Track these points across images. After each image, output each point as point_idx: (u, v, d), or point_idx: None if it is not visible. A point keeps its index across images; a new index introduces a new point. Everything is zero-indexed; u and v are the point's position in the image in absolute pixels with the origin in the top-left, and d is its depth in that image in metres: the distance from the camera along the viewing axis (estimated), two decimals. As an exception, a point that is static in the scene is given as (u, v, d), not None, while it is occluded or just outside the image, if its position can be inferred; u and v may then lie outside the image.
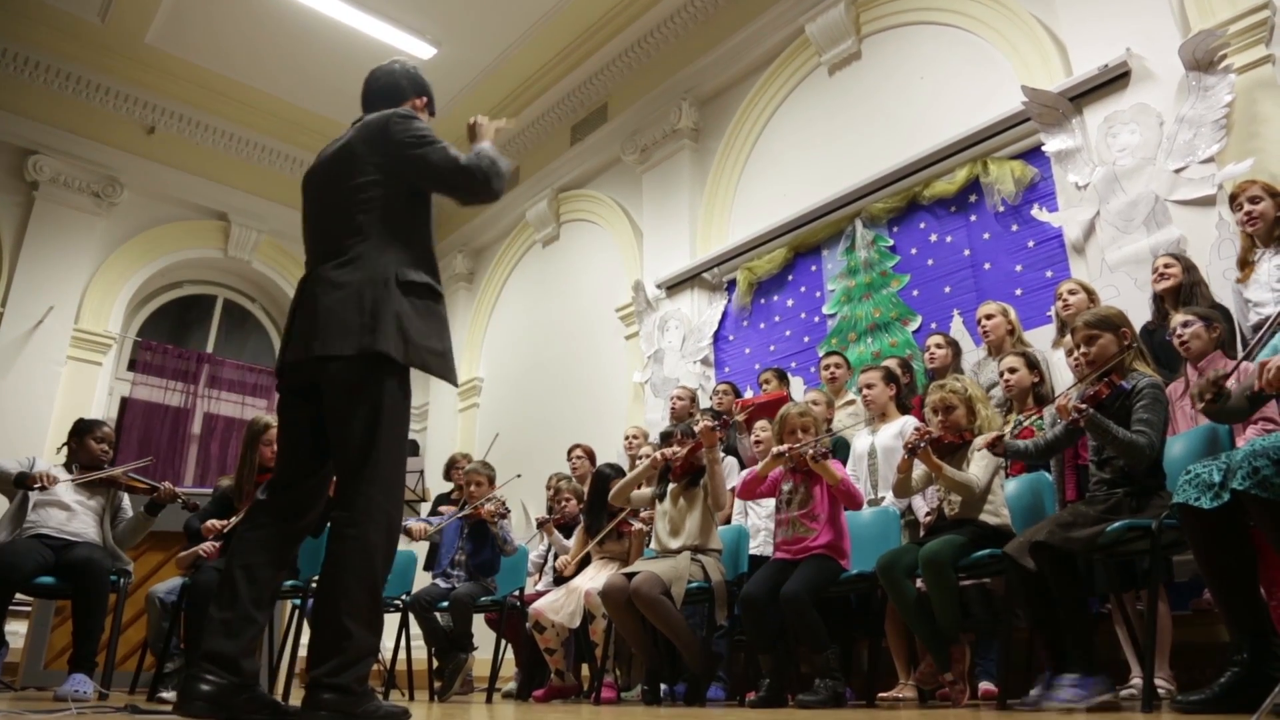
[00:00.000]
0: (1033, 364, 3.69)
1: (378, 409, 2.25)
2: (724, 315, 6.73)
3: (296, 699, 3.40)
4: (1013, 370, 3.68)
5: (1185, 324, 3.20)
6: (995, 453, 3.17)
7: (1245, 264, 3.54)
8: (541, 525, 5.22)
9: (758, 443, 4.48)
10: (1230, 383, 2.55)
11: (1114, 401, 2.89)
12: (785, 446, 3.70)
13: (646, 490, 4.39)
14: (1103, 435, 2.79)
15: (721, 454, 4.39)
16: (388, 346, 2.23)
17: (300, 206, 2.56)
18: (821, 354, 5.32)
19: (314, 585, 4.53)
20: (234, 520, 4.21)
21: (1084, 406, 2.81)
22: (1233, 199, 3.61)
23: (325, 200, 2.46)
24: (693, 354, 6.68)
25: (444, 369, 2.38)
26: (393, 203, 2.39)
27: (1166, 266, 3.68)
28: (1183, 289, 3.60)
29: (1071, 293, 3.94)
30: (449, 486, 6.53)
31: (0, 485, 4.40)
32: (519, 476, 5.98)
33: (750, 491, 3.92)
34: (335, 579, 2.16)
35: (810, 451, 3.57)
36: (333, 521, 2.22)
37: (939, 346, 4.38)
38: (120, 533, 4.54)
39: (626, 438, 5.79)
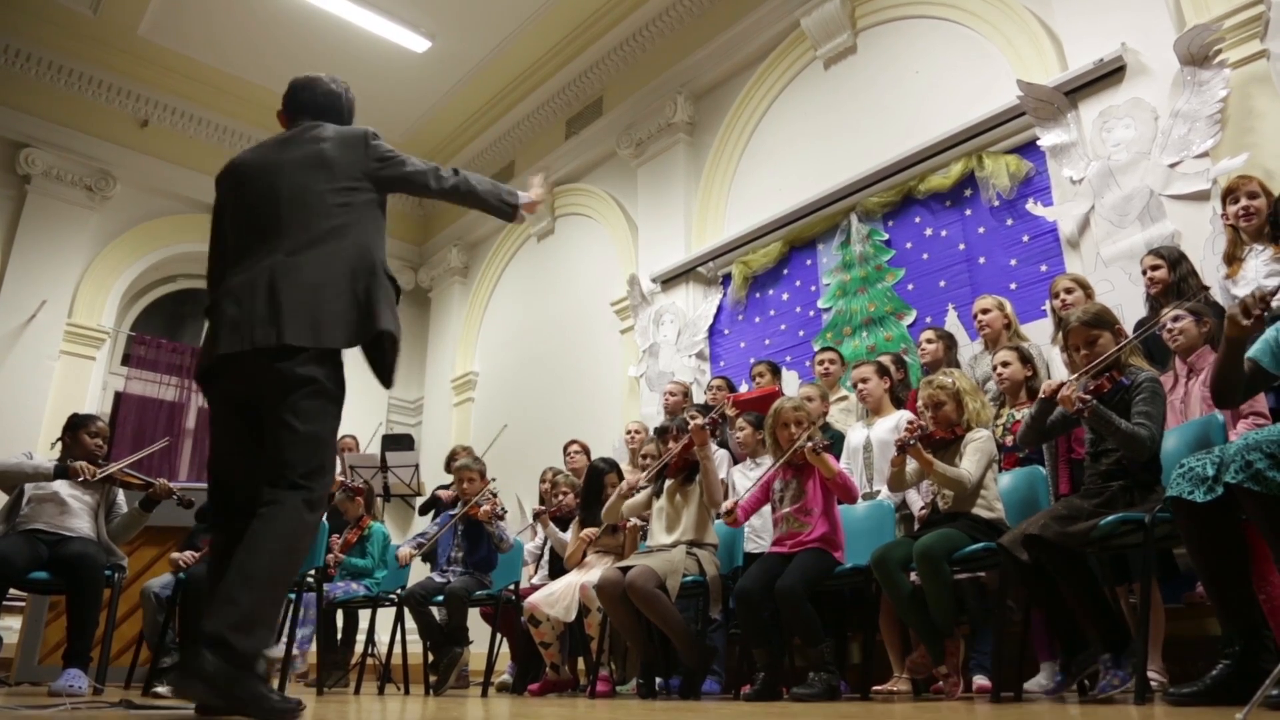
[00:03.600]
0: (1026, 358, 3.69)
1: (335, 400, 2.34)
2: (719, 309, 6.73)
3: (291, 691, 3.41)
4: (1005, 364, 3.68)
5: (1175, 319, 3.21)
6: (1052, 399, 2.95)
7: (1232, 260, 3.54)
8: (537, 517, 5.22)
9: (740, 442, 4.48)
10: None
11: (1113, 396, 2.90)
12: (773, 465, 3.72)
13: (640, 496, 4.39)
14: (1105, 427, 2.80)
15: (714, 447, 4.39)
16: (390, 325, 2.36)
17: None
18: (816, 349, 5.33)
19: (309, 579, 4.59)
20: None
21: (1088, 398, 2.82)
22: (1229, 193, 3.60)
23: (292, 194, 2.45)
24: (688, 348, 6.68)
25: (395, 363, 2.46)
26: (369, 208, 2.52)
27: (1153, 268, 3.67)
28: (1171, 285, 3.59)
29: (1068, 290, 3.93)
30: (450, 479, 6.51)
31: (17, 483, 4.37)
32: (505, 427, 5.96)
33: (748, 515, 3.90)
34: (261, 534, 2.13)
35: (809, 444, 3.58)
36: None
37: (929, 341, 4.39)
38: (115, 528, 4.53)
39: (628, 432, 5.79)
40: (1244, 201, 3.49)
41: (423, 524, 6.76)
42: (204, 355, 2.40)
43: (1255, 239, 3.47)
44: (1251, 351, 2.50)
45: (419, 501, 7.23)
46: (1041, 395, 3.02)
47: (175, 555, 4.74)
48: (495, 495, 4.99)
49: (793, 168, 6.41)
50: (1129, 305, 4.08)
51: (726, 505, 3.71)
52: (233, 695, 1.95)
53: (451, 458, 6.60)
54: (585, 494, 4.85)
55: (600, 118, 8.20)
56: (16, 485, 4.34)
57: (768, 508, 3.92)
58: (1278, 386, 3.12)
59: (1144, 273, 3.73)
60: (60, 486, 4.38)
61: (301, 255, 2.35)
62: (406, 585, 5.19)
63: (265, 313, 2.26)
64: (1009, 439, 3.55)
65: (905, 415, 4.02)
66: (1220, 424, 2.88)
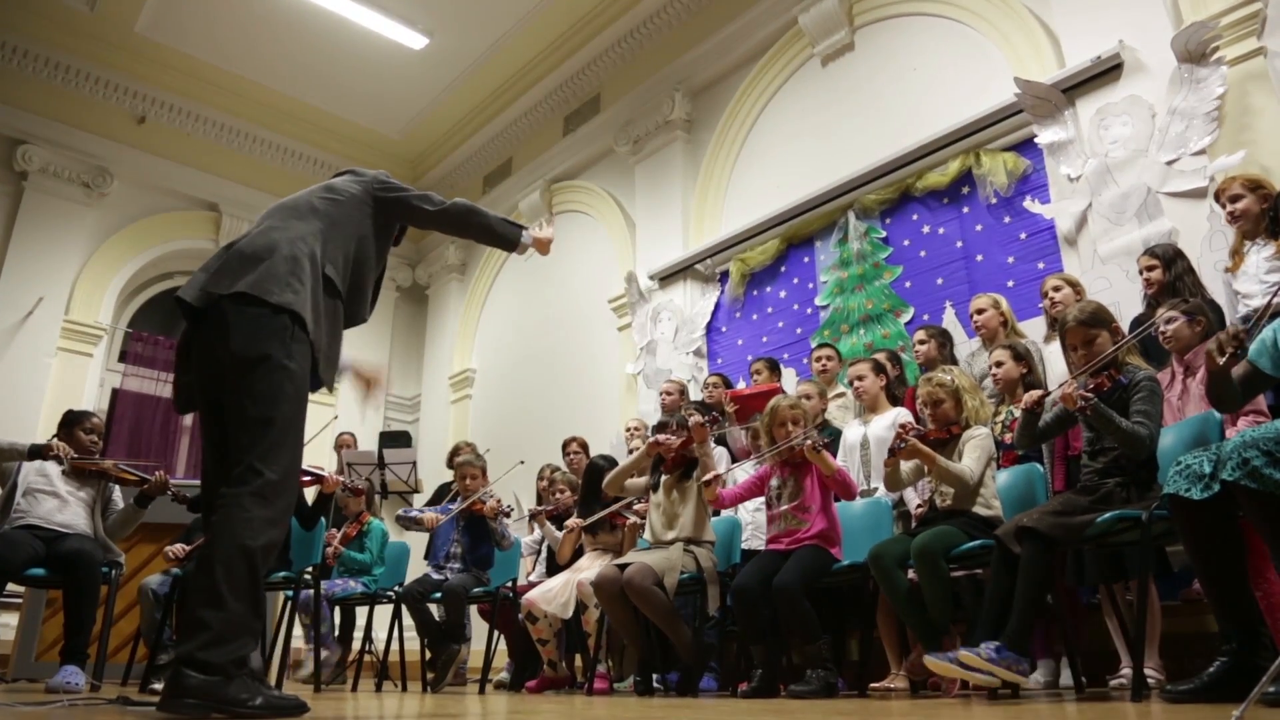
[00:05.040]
0: (1020, 355, 3.68)
1: (291, 379, 2.25)
2: (717, 306, 6.73)
3: (288, 688, 3.41)
4: (999, 364, 3.68)
5: (1168, 320, 3.21)
6: (1036, 411, 3.10)
7: (1237, 254, 3.55)
8: (534, 517, 5.22)
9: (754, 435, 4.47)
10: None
11: (1111, 394, 2.90)
12: (764, 454, 3.73)
13: (640, 480, 4.39)
14: (1106, 425, 2.80)
15: (712, 445, 4.39)
16: (304, 310, 2.28)
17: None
18: (814, 346, 5.33)
19: (306, 577, 4.59)
20: None
21: (1090, 396, 2.83)
22: (1217, 196, 3.63)
23: (291, 201, 2.58)
24: (685, 345, 6.68)
25: (325, 368, 2.38)
26: (351, 210, 2.55)
27: (1148, 268, 3.68)
28: (1165, 285, 3.60)
29: (1056, 289, 3.94)
30: (450, 475, 6.50)
31: (6, 461, 4.38)
32: (521, 464, 5.91)
33: (731, 502, 3.93)
34: (213, 547, 2.10)
35: (809, 442, 3.58)
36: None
37: (921, 342, 4.38)
38: (111, 524, 4.52)
39: (628, 429, 5.78)
40: (1228, 206, 3.52)
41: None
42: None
43: (1252, 236, 3.48)
44: (1249, 355, 2.50)
45: (416, 499, 7.21)
46: (1022, 408, 3.08)
47: (169, 549, 4.77)
48: (495, 497, 4.99)
49: (790, 165, 6.41)
50: (1126, 303, 4.08)
51: (710, 475, 3.76)
52: (224, 700, 1.96)
53: (454, 453, 6.60)
54: (584, 491, 4.85)
55: (598, 115, 8.20)
56: None
57: (756, 504, 3.92)
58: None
59: (1140, 273, 3.73)
60: (56, 482, 4.38)
61: (267, 230, 2.42)
62: (404, 582, 5.19)
63: (215, 266, 2.34)
64: (1008, 436, 3.55)
65: (901, 412, 4.02)
66: (1217, 421, 2.89)
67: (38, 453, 4.33)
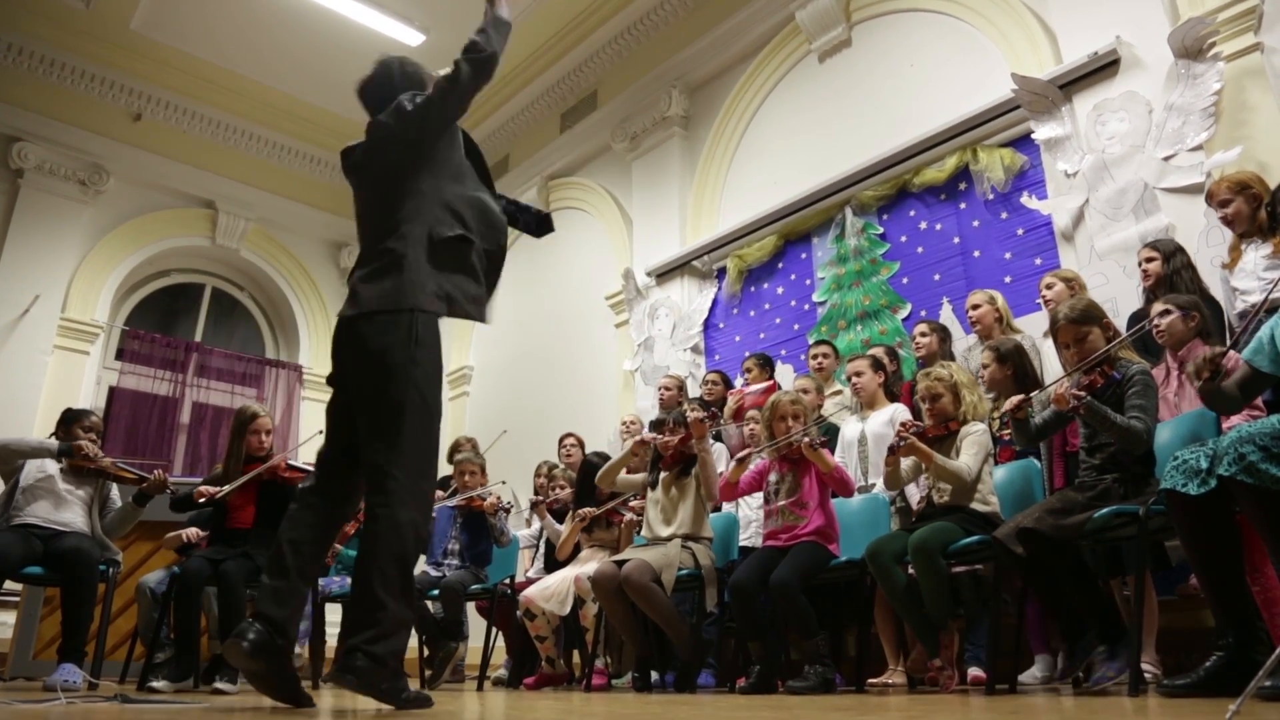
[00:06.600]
0: (1004, 357, 3.60)
1: (406, 371, 2.41)
2: (714, 303, 6.73)
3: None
4: (985, 366, 3.67)
5: (1162, 314, 3.21)
6: (1018, 418, 3.12)
7: (1235, 250, 3.56)
8: (534, 507, 5.22)
9: (753, 425, 4.48)
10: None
11: (1105, 391, 2.91)
12: (763, 448, 3.73)
13: (638, 476, 4.38)
14: (1101, 422, 2.81)
15: (711, 442, 4.39)
16: (418, 300, 2.43)
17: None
18: (811, 342, 5.33)
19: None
20: (225, 489, 4.30)
21: (1082, 394, 2.83)
22: (1208, 199, 3.65)
23: (375, 189, 2.72)
24: (683, 342, 6.68)
25: (466, 311, 2.55)
26: (422, 170, 2.67)
27: (1148, 260, 3.68)
28: (1164, 278, 3.60)
29: (1049, 286, 3.94)
30: (448, 470, 6.48)
31: (19, 458, 4.38)
32: (505, 432, 5.88)
33: (729, 495, 3.94)
34: (369, 554, 2.31)
35: (808, 439, 3.58)
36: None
37: (923, 335, 4.39)
38: (109, 523, 4.52)
39: (623, 423, 5.78)
40: (1218, 211, 3.54)
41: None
42: None
43: (1249, 236, 3.48)
44: (1245, 354, 2.51)
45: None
46: (1004, 412, 3.10)
47: (184, 532, 4.74)
48: (495, 494, 4.99)
49: (787, 161, 6.40)
50: (1123, 299, 4.09)
51: (744, 453, 3.82)
52: (377, 688, 2.27)
53: (455, 449, 6.59)
54: (579, 488, 4.85)
55: (595, 111, 8.18)
56: (16, 461, 4.37)
57: (760, 500, 3.93)
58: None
59: (1140, 265, 3.73)
60: (55, 481, 4.38)
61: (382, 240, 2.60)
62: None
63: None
64: (1005, 432, 3.55)
65: (899, 409, 4.02)
66: (1214, 417, 2.89)
67: (67, 452, 4.35)
